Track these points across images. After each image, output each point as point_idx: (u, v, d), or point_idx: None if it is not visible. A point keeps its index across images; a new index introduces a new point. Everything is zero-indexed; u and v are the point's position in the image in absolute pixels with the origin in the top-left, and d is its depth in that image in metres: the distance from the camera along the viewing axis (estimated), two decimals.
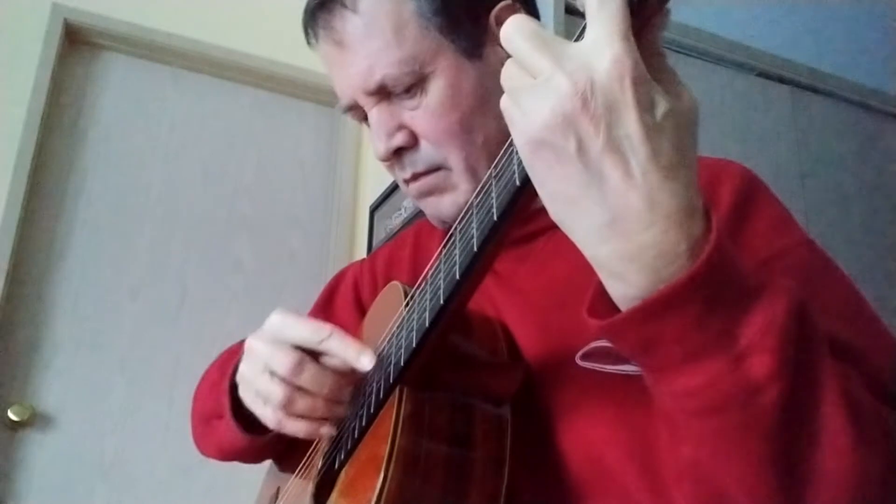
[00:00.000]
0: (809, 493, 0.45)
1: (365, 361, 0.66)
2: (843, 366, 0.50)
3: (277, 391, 0.69)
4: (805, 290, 0.46)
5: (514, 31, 0.43)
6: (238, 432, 0.83)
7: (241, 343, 0.91)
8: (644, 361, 0.47)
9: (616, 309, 0.46)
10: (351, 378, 0.71)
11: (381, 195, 2.60)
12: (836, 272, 0.67)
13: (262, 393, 0.71)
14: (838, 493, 0.45)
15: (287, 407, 0.70)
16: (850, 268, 0.69)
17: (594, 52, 0.40)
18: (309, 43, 0.83)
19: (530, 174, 0.44)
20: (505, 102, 0.44)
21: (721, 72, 2.10)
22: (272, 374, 0.70)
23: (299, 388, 0.69)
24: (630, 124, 0.40)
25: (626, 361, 0.60)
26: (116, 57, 2.64)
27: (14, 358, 2.24)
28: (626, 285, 0.43)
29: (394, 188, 2.50)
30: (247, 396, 0.76)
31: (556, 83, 0.40)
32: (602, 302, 0.47)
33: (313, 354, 0.70)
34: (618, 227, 0.41)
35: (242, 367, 0.75)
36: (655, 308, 0.42)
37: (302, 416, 0.70)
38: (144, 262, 2.49)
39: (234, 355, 0.85)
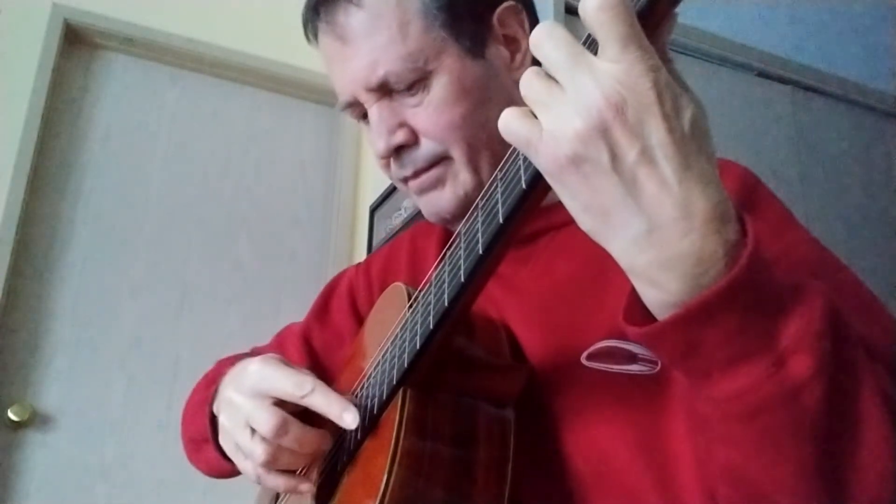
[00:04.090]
0: (851, 490, 0.46)
1: (348, 419, 0.65)
2: (872, 363, 0.50)
3: (259, 450, 0.69)
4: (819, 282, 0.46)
5: (545, 37, 0.43)
6: (222, 460, 0.83)
7: (225, 362, 0.91)
8: (685, 367, 0.47)
9: (651, 314, 0.46)
10: (334, 430, 0.71)
11: (381, 195, 2.60)
12: (841, 268, 0.67)
13: (243, 448, 0.71)
14: (879, 489, 0.46)
15: (268, 465, 0.70)
16: (850, 267, 0.69)
17: (621, 64, 0.40)
18: (308, 38, 0.82)
19: (559, 190, 0.44)
20: (511, 124, 0.44)
21: (721, 72, 2.10)
22: (254, 431, 0.69)
23: (281, 447, 0.69)
24: (662, 133, 0.40)
25: (632, 361, 0.61)
26: (116, 57, 2.63)
27: (14, 358, 2.24)
28: (663, 293, 0.43)
29: (394, 188, 2.50)
30: (227, 447, 0.76)
31: (588, 94, 0.40)
32: (636, 309, 0.47)
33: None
34: (656, 236, 0.41)
35: (223, 418, 0.75)
36: (697, 314, 0.42)
37: (282, 472, 0.71)
38: (144, 262, 2.49)
39: (215, 379, 0.85)
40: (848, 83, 2.33)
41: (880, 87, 2.38)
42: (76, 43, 2.57)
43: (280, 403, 0.69)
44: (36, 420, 2.22)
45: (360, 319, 0.97)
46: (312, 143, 2.87)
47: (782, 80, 2.20)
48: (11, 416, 2.16)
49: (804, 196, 2.07)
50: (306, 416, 0.70)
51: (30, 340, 2.28)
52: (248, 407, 0.70)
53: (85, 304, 2.37)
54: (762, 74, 2.17)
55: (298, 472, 0.85)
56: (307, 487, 0.72)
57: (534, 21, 0.82)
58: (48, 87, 2.40)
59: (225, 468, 0.86)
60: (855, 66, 2.38)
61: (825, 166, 2.17)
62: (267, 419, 0.68)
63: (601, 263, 0.45)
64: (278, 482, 0.71)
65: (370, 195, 2.73)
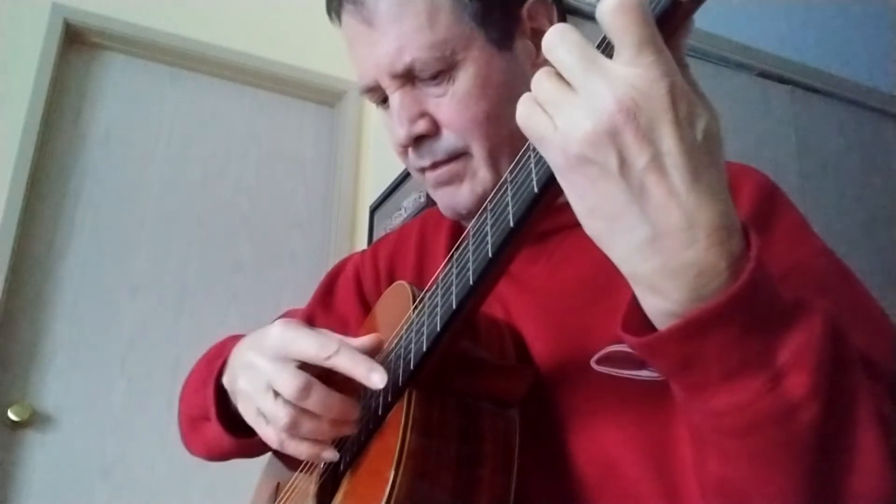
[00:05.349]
0: None
1: (376, 379, 0.62)
2: (872, 384, 0.50)
3: (282, 414, 0.66)
4: (824, 302, 0.46)
5: (557, 40, 0.43)
6: (226, 436, 0.81)
7: (229, 340, 0.90)
8: (681, 379, 0.46)
9: (650, 324, 0.45)
10: (359, 396, 0.69)
11: (381, 195, 2.60)
12: (852, 281, 0.67)
13: (266, 413, 0.68)
14: None
15: (291, 430, 0.67)
16: (850, 268, 0.69)
17: (636, 68, 0.40)
18: (330, 17, 0.80)
19: (567, 189, 0.44)
20: (530, 116, 0.44)
21: (721, 72, 2.10)
22: (276, 394, 0.66)
23: (305, 411, 0.66)
24: (673, 141, 0.40)
25: (642, 367, 0.60)
26: (116, 57, 2.63)
27: (14, 358, 2.24)
28: (664, 301, 0.43)
29: (394, 188, 2.50)
30: (247, 413, 0.73)
31: (600, 98, 0.40)
32: (636, 317, 0.46)
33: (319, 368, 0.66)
34: (659, 244, 0.41)
35: (242, 383, 0.71)
36: (697, 326, 0.42)
37: (306, 439, 0.68)
38: (144, 262, 2.49)
39: (220, 353, 0.83)
40: (848, 83, 2.33)
41: (880, 87, 2.38)
42: (76, 43, 2.56)
43: (304, 367, 0.66)
44: (36, 420, 2.22)
45: (366, 306, 0.95)
46: (312, 143, 2.87)
47: (782, 80, 2.20)
48: (11, 416, 2.16)
49: (804, 196, 2.07)
50: (330, 384, 0.67)
51: (30, 340, 2.28)
52: (271, 370, 0.66)
53: (85, 304, 2.37)
54: (762, 74, 2.17)
55: (302, 467, 0.85)
56: (331, 454, 0.69)
57: (563, 16, 0.81)
58: (48, 87, 2.40)
59: (224, 447, 0.84)
60: (855, 66, 2.38)
61: (825, 166, 2.17)
62: (290, 380, 0.64)
63: (612, 266, 0.45)
64: (301, 449, 0.68)
65: (370, 195, 2.74)
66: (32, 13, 2.44)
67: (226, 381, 0.79)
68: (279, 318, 1.04)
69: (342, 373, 0.64)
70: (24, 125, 2.33)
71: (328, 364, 0.64)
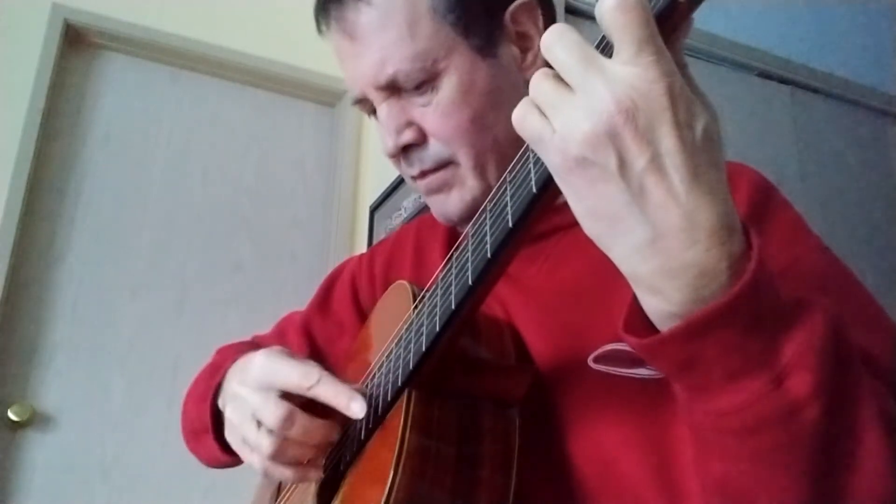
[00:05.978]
0: None
1: (356, 408, 0.64)
2: (874, 382, 0.49)
3: (266, 443, 0.68)
4: (824, 300, 0.46)
5: (556, 39, 0.42)
6: (222, 454, 0.84)
7: (229, 353, 0.91)
8: (683, 380, 0.46)
9: (651, 325, 0.45)
10: (342, 420, 0.70)
11: (381, 195, 2.60)
12: (851, 279, 0.67)
13: (250, 442, 0.71)
14: None
15: (275, 457, 0.69)
16: (850, 268, 0.69)
17: (635, 68, 0.40)
18: (319, 30, 0.81)
19: (566, 191, 0.43)
20: (527, 118, 0.43)
21: (721, 72, 2.10)
22: (260, 423, 0.69)
23: (288, 439, 0.68)
24: (672, 142, 0.40)
25: (640, 365, 0.60)
26: (116, 57, 2.63)
27: (14, 358, 2.24)
28: (664, 302, 0.43)
29: (394, 188, 2.50)
30: (233, 441, 0.76)
31: (598, 98, 0.40)
32: (637, 319, 0.46)
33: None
34: (659, 245, 0.41)
35: (229, 412, 0.75)
36: (698, 327, 0.42)
37: (289, 464, 0.70)
38: (144, 262, 2.49)
39: (219, 369, 0.85)
40: (848, 83, 2.33)
41: (880, 87, 2.38)
42: (76, 43, 2.56)
43: (286, 396, 0.68)
44: (36, 420, 2.22)
45: (361, 311, 0.96)
46: (312, 143, 2.87)
47: (782, 80, 2.20)
48: (11, 416, 2.16)
49: (804, 196, 2.07)
50: (312, 407, 0.69)
51: (30, 340, 2.27)
52: (254, 400, 0.69)
53: (85, 304, 2.37)
54: (762, 74, 2.17)
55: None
56: (315, 474, 0.71)
57: (549, 18, 0.80)
58: (48, 87, 2.39)
59: (224, 459, 0.86)
60: (855, 66, 2.38)
61: (825, 166, 2.16)
62: (273, 411, 0.67)
63: (610, 265, 0.45)
64: (286, 474, 0.71)
65: (370, 195, 2.74)
66: (32, 13, 2.44)
67: (220, 402, 0.81)
68: (279, 322, 1.06)
69: (323, 401, 0.67)
70: (24, 125, 2.33)
71: (310, 394, 0.67)
